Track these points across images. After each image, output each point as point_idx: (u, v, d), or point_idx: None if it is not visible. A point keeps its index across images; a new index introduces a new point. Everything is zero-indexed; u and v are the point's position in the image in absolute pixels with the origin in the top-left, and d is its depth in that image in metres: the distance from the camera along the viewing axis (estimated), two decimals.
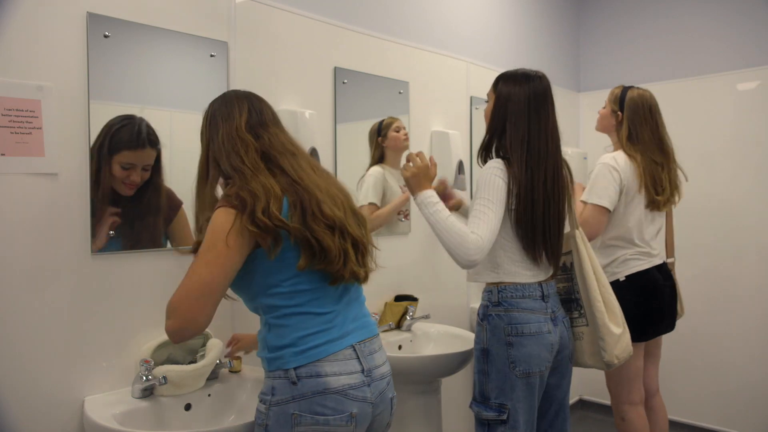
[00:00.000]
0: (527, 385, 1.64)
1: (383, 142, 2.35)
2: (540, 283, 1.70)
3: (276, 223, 1.21)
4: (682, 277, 2.39)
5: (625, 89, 2.32)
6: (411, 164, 1.68)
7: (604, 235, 2.24)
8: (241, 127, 1.31)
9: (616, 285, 2.19)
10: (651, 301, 2.23)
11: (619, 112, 2.29)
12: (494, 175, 1.63)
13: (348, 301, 1.35)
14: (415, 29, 2.58)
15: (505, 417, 1.62)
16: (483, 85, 2.98)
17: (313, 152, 1.98)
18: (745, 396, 3.13)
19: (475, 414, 1.69)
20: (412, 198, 1.72)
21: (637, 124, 2.26)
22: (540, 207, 1.65)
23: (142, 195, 1.62)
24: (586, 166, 3.48)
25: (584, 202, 2.18)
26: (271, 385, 1.25)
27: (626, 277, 2.21)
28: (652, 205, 2.23)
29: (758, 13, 3.15)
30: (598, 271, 1.81)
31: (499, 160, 1.67)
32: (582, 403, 3.71)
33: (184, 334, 1.22)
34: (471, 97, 2.85)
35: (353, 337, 1.31)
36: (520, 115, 1.67)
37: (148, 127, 1.62)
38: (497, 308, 1.67)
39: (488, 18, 3.06)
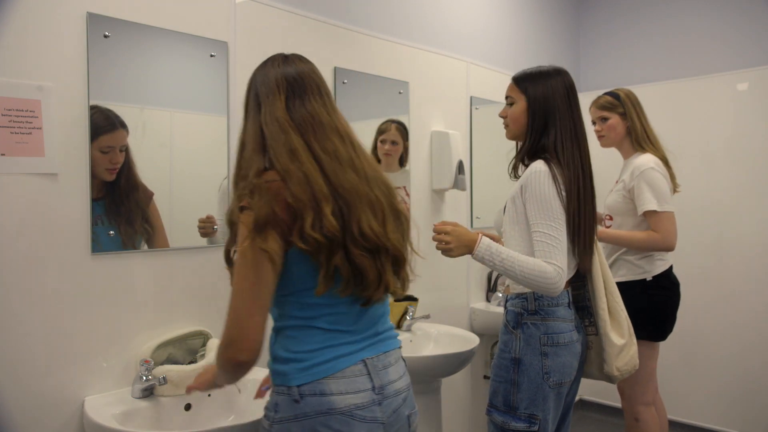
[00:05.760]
0: (558, 395, 1.60)
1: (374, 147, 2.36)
2: (566, 289, 1.64)
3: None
4: (679, 276, 2.39)
5: (613, 93, 2.33)
6: (444, 234, 1.55)
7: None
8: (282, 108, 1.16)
9: (642, 285, 2.19)
10: (675, 301, 2.25)
11: (625, 114, 2.29)
12: (549, 186, 1.52)
13: (369, 317, 1.22)
14: (415, 29, 2.58)
15: (536, 428, 1.56)
16: (483, 86, 2.98)
17: None
18: (745, 396, 3.13)
19: (498, 423, 1.62)
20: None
21: (643, 119, 2.28)
22: (584, 206, 1.57)
23: (121, 177, 1.60)
24: None
25: (655, 211, 2.12)
26: (275, 401, 1.16)
27: (653, 277, 2.21)
28: None
29: (758, 13, 3.15)
30: (608, 279, 1.73)
31: (542, 162, 1.56)
32: (582, 403, 3.71)
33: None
34: (471, 97, 2.84)
35: (367, 351, 1.20)
36: (564, 110, 1.60)
37: (113, 111, 1.59)
38: (534, 317, 1.60)
39: (488, 18, 3.05)
